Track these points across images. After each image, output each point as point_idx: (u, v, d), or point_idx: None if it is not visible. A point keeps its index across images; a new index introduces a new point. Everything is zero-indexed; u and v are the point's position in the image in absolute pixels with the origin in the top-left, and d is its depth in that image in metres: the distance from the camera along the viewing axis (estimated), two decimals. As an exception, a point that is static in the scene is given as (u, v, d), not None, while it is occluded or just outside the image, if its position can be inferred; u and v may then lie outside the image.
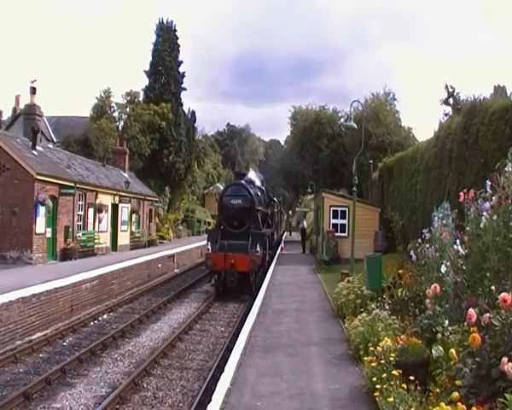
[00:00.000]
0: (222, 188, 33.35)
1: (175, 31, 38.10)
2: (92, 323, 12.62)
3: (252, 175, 20.95)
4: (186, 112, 39.36)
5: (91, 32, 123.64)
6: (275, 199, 26.81)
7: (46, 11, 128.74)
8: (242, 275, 15.39)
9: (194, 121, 41.40)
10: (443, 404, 3.82)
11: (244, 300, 15.36)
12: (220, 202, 17.27)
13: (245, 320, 9.73)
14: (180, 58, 38.71)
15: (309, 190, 35.68)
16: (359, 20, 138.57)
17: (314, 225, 31.46)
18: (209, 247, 15.84)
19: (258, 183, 20.61)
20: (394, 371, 4.84)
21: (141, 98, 36.95)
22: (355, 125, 13.98)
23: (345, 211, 21.56)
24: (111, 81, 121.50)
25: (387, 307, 7.54)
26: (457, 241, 6.10)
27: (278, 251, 27.01)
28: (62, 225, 19.00)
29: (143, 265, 19.39)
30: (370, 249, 17.26)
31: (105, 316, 13.45)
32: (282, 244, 29.95)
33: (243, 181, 17.69)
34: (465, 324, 4.59)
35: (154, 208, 31.49)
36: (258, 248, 15.38)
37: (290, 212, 64.15)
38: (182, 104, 38.44)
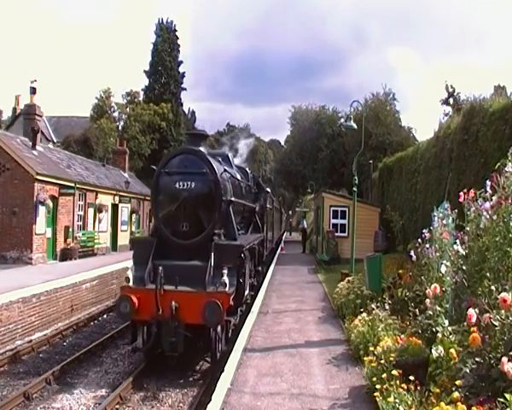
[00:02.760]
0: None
1: (175, 31, 38.20)
2: (92, 323, 12.63)
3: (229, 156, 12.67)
4: (186, 112, 39.45)
5: (91, 31, 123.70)
6: (268, 190, 17.31)
7: (46, 11, 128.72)
8: (195, 330, 7.91)
9: (194, 121, 41.57)
10: (443, 404, 3.82)
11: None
12: (155, 185, 9.04)
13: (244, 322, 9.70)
14: (180, 58, 38.84)
15: (309, 190, 35.70)
16: (360, 21, 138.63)
17: (314, 225, 31.45)
18: (129, 275, 8.27)
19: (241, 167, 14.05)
20: (394, 372, 4.84)
21: (141, 98, 37.00)
22: (355, 126, 13.96)
23: (345, 211, 21.54)
24: (111, 81, 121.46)
25: (387, 307, 7.54)
26: (457, 241, 6.10)
27: (278, 251, 27.00)
28: (62, 225, 19.00)
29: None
30: (370, 249, 17.25)
31: (105, 316, 13.46)
32: (282, 244, 29.98)
33: (202, 149, 9.37)
34: (465, 324, 4.58)
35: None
36: (226, 279, 7.90)
37: (290, 212, 64.16)
38: (182, 104, 38.58)
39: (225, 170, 9.54)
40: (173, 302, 7.58)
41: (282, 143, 59.92)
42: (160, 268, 7.77)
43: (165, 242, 8.77)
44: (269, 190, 18.03)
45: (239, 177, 11.87)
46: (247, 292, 9.68)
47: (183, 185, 8.55)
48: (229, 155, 12.36)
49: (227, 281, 7.82)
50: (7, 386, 7.87)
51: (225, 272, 7.88)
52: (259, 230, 13.83)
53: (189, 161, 8.80)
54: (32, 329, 10.91)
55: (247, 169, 14.54)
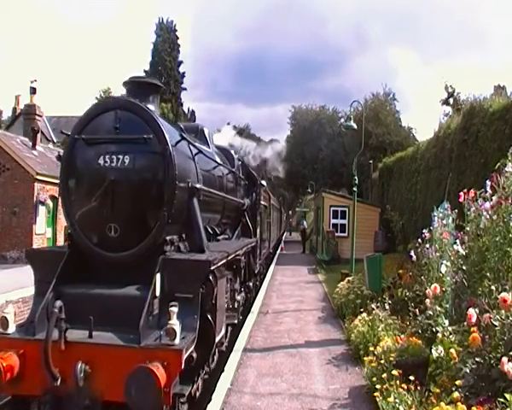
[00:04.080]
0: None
1: (175, 31, 38.25)
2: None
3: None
4: (186, 112, 39.45)
5: (91, 31, 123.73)
6: (263, 182, 14.09)
7: (46, 11, 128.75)
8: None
9: (194, 121, 41.51)
10: (443, 404, 3.82)
11: None
12: (66, 162, 5.42)
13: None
14: (180, 58, 38.82)
15: (309, 190, 35.71)
16: (361, 21, 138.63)
17: (314, 225, 31.46)
18: (7, 315, 4.57)
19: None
20: (394, 372, 4.84)
21: (141, 98, 37.06)
22: (355, 126, 13.96)
23: (345, 211, 21.55)
24: (111, 81, 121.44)
25: (387, 307, 7.54)
26: (457, 241, 6.10)
27: (278, 251, 27.01)
28: (62, 225, 18.98)
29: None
30: (370, 249, 17.25)
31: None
32: (282, 244, 30.03)
33: (152, 108, 5.65)
34: (465, 324, 4.58)
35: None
36: (175, 322, 4.35)
37: (290, 212, 64.15)
38: (182, 104, 38.60)
39: (186, 139, 6.04)
40: (80, 364, 4.19)
41: (282, 143, 59.87)
42: (58, 303, 4.40)
43: (83, 255, 5.26)
44: (264, 183, 14.42)
45: (218, 159, 8.33)
46: (221, 334, 5.81)
47: (111, 161, 5.07)
48: (207, 130, 8.68)
49: (177, 327, 4.28)
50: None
51: (174, 309, 4.32)
52: (250, 233, 10.50)
53: (122, 121, 5.18)
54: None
55: (233, 152, 10.85)
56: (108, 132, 5.24)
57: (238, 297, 8.26)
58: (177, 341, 4.33)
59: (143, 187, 5.21)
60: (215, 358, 6.29)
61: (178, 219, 5.55)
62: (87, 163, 5.25)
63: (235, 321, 7.45)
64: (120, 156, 5.12)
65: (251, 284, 11.01)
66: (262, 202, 13.74)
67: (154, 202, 5.22)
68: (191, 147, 6.38)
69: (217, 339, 5.52)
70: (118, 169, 5.09)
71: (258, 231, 11.96)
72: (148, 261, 4.99)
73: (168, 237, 5.32)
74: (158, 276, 4.87)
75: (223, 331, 6.06)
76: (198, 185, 5.94)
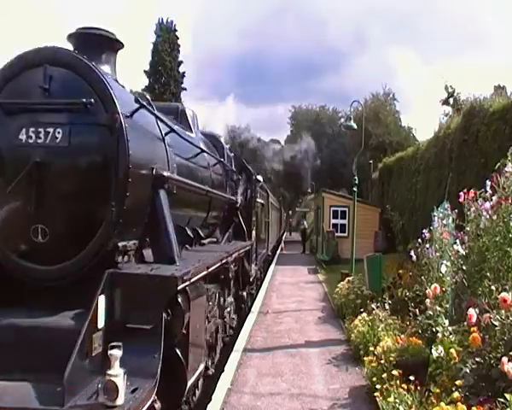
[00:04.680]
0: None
1: (175, 31, 38.24)
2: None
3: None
4: (186, 112, 39.44)
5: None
6: (260, 178, 12.44)
7: (46, 11, 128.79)
8: None
9: (194, 121, 41.48)
10: (443, 404, 3.82)
11: None
12: None
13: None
14: (180, 58, 38.81)
15: (309, 190, 35.76)
16: (361, 22, 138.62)
17: (314, 225, 31.48)
18: None
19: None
20: (394, 371, 4.84)
21: (141, 98, 37.04)
22: (355, 126, 13.96)
23: (345, 211, 21.55)
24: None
25: (387, 307, 7.54)
26: (457, 241, 6.11)
27: (278, 251, 27.02)
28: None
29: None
30: (370, 249, 17.24)
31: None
32: (282, 244, 30.05)
33: (108, 70, 4.29)
34: (465, 324, 4.58)
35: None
36: (118, 373, 2.85)
37: (290, 212, 64.15)
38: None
39: (149, 110, 4.55)
40: None
41: (283, 143, 59.93)
42: None
43: (2, 269, 3.83)
44: (261, 178, 12.79)
45: (202, 146, 7.04)
46: (192, 379, 4.21)
47: (38, 136, 3.66)
48: (190, 111, 7.34)
49: (120, 379, 2.89)
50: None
51: (115, 353, 2.96)
52: (244, 235, 9.24)
53: (55, 80, 3.76)
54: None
55: (223, 141, 9.31)
56: (34, 96, 3.72)
57: (227, 317, 6.98)
58: (119, 401, 2.83)
59: (82, 173, 3.72)
60: (198, 388, 5.05)
61: (137, 219, 4.16)
62: (4, 139, 3.72)
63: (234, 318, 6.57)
64: (50, 129, 3.62)
65: (245, 293, 9.57)
66: (259, 200, 12.48)
67: (98, 195, 3.73)
68: (160, 124, 4.84)
69: (189, 382, 4.05)
70: (46, 147, 3.62)
71: (253, 232, 10.88)
72: (92, 277, 3.48)
73: (121, 244, 3.88)
74: (102, 298, 3.32)
75: (195, 375, 4.32)
76: (166, 173, 4.42)
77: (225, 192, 8.30)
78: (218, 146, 8.60)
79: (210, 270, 4.82)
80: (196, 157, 6.32)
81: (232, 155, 9.85)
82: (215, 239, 7.61)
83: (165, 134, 4.93)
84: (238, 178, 9.86)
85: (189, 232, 5.65)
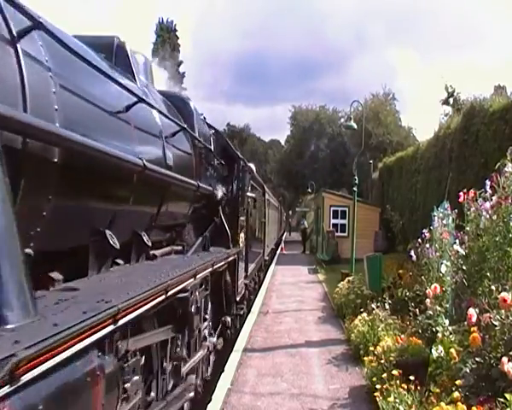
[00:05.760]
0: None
1: (175, 31, 38.31)
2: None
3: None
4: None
5: (91, 31, 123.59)
6: (252, 166, 10.66)
7: (46, 11, 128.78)
8: None
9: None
10: (443, 404, 3.82)
11: None
12: None
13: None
14: (180, 58, 38.82)
15: (309, 190, 35.72)
16: (361, 22, 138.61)
17: (314, 225, 31.48)
18: None
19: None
20: (394, 371, 4.84)
21: (141, 98, 37.12)
22: (355, 125, 13.96)
23: (345, 211, 21.55)
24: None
25: (387, 307, 7.54)
26: (457, 241, 6.11)
27: (278, 251, 27.03)
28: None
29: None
30: (370, 249, 17.24)
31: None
32: (282, 244, 30.04)
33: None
34: (465, 324, 4.59)
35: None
36: None
37: (290, 212, 64.13)
38: (182, 104, 38.57)
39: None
40: None
41: (282, 143, 59.94)
42: None
43: None
44: (253, 166, 10.79)
45: (165, 109, 5.01)
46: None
47: None
48: (128, 47, 4.81)
49: None
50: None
51: None
52: (228, 240, 6.98)
53: None
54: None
55: (193, 106, 6.38)
56: None
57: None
58: None
59: None
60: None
61: None
62: None
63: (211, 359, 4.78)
64: None
65: (228, 318, 7.26)
66: (249, 194, 9.66)
67: None
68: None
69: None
70: None
71: (242, 236, 8.42)
72: None
73: None
74: None
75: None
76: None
77: (195, 179, 5.65)
78: (183, 110, 5.89)
79: (99, 335, 2.16)
80: (131, 110, 3.74)
81: (212, 131, 7.36)
82: (180, 247, 5.40)
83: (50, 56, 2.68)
84: (220, 162, 7.36)
85: (110, 242, 3.23)
